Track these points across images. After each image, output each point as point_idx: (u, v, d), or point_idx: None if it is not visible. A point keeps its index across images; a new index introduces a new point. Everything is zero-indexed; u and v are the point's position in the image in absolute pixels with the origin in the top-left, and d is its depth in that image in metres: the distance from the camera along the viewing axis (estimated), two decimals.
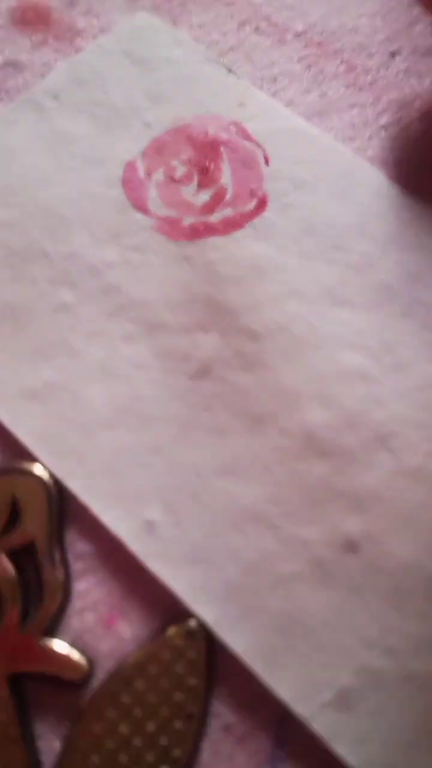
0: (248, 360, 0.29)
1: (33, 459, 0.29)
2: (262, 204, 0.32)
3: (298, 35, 0.36)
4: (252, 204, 0.32)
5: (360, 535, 0.27)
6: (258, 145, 0.33)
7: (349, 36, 0.36)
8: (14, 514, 0.28)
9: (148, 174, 0.33)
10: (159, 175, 0.33)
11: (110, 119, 0.34)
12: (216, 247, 0.31)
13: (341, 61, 0.35)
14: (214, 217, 0.32)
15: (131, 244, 0.32)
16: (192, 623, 0.26)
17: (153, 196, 0.32)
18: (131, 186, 0.33)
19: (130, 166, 0.33)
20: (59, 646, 0.26)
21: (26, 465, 0.28)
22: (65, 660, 0.26)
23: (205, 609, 0.26)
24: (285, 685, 0.25)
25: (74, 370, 0.30)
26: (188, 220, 0.32)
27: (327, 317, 0.30)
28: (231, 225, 0.32)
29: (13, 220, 0.32)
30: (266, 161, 0.33)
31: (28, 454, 0.29)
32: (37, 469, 0.28)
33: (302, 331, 0.30)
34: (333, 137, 0.34)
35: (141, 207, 0.32)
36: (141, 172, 0.33)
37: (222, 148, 0.33)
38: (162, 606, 0.27)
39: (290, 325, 0.30)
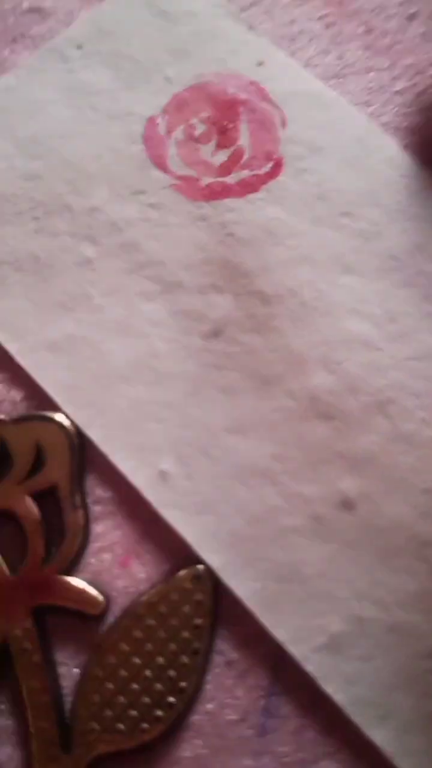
0: (259, 322, 0.31)
1: (55, 408, 0.31)
2: (277, 167, 0.33)
3: None
4: (268, 167, 0.33)
5: (356, 495, 0.29)
6: (276, 106, 0.34)
7: None
8: (38, 459, 0.30)
9: (169, 132, 0.34)
10: (179, 134, 0.34)
11: (132, 73, 0.35)
12: (232, 208, 0.33)
13: (360, 23, 0.36)
14: (231, 178, 0.33)
15: (150, 202, 0.33)
16: (200, 568, 0.29)
17: (172, 154, 0.34)
18: (152, 143, 0.34)
19: (150, 123, 0.34)
20: (79, 583, 0.29)
21: (49, 413, 0.31)
22: (84, 595, 0.29)
23: (212, 556, 0.29)
24: (282, 628, 0.28)
25: (95, 323, 0.31)
26: (206, 180, 0.33)
27: (335, 284, 0.32)
28: (247, 187, 0.33)
29: (37, 171, 0.34)
30: (283, 124, 0.34)
31: (50, 403, 0.31)
32: (60, 418, 0.30)
33: (311, 296, 0.32)
34: (349, 102, 0.35)
35: (160, 165, 0.33)
36: (161, 129, 0.34)
37: (241, 108, 0.34)
38: (173, 550, 0.29)
39: (300, 290, 0.32)
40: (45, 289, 0.32)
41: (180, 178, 0.33)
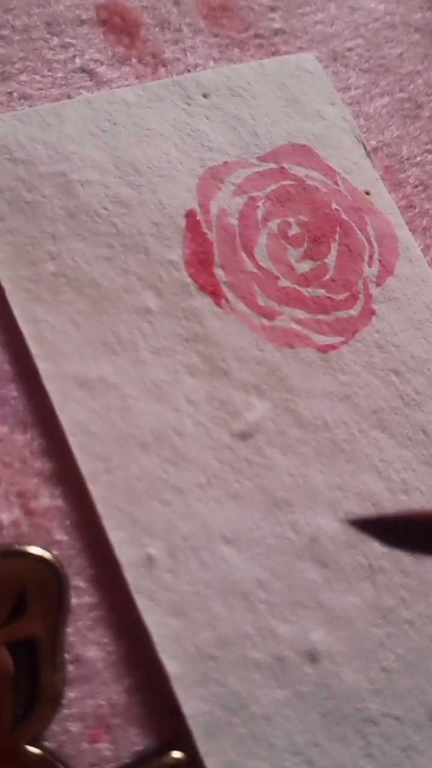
0: (287, 442, 0.31)
1: (68, 451, 0.29)
2: (353, 298, 0.33)
3: None
4: (343, 296, 0.33)
5: (323, 649, 0.29)
6: (370, 242, 0.34)
7: None
8: (20, 600, 0.27)
9: (265, 220, 0.33)
10: (273, 226, 0.33)
11: (248, 144, 0.34)
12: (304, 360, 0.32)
13: (403, 195, 0.36)
14: (308, 291, 0.33)
15: (225, 281, 0.32)
16: (176, 755, 0.27)
17: (261, 242, 0.33)
18: (245, 223, 0.33)
19: (251, 203, 0.33)
20: (42, 758, 0.26)
21: (40, 551, 0.27)
22: None
23: (172, 662, 0.27)
24: (215, 758, 0.27)
25: (133, 377, 0.30)
26: (283, 283, 0.33)
27: (367, 434, 0.32)
28: (319, 306, 0.33)
29: (127, 200, 0.32)
30: (370, 261, 0.34)
31: (57, 446, 0.29)
32: (50, 557, 0.28)
33: (342, 437, 0.31)
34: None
35: (247, 248, 0.33)
36: (259, 213, 0.33)
37: (338, 228, 0.34)
38: (148, 728, 0.27)
39: (334, 426, 0.31)
40: (95, 320, 0.30)
41: (260, 268, 0.32)
